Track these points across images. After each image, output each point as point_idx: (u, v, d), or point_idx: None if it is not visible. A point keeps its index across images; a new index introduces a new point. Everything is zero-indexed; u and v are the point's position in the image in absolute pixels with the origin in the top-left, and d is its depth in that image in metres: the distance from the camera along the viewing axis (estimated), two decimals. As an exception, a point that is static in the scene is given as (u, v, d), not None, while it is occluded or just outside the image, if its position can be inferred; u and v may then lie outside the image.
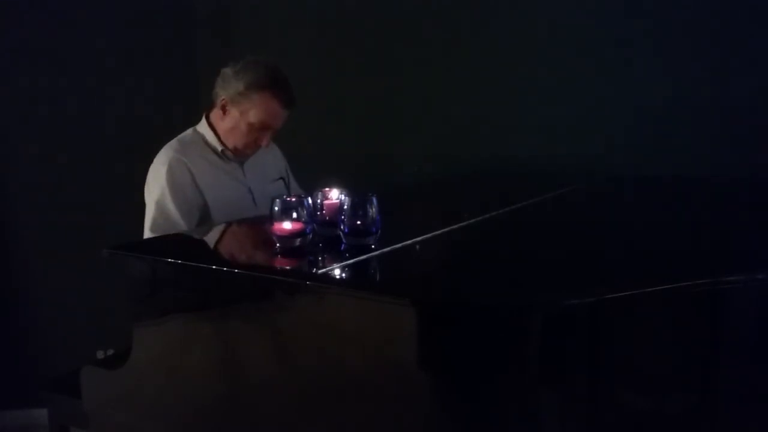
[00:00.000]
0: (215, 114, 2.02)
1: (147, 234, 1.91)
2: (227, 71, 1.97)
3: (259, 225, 1.76)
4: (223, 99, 1.97)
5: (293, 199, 1.44)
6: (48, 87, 2.72)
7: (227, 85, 1.96)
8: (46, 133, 2.74)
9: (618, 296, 1.17)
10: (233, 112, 1.96)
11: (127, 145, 2.72)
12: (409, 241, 1.50)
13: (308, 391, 1.26)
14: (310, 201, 1.44)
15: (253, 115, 1.94)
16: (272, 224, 1.41)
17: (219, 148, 2.02)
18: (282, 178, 2.22)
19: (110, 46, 2.76)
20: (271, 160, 2.21)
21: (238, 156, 2.05)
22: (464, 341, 1.13)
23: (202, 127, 2.05)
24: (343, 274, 1.33)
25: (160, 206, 1.90)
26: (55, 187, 2.76)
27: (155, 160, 1.97)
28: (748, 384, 1.34)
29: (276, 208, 1.40)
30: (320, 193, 1.55)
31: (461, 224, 1.69)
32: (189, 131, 2.07)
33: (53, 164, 2.75)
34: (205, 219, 1.94)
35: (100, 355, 2.58)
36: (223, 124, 2.00)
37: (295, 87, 1.99)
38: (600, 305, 1.16)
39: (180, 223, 1.89)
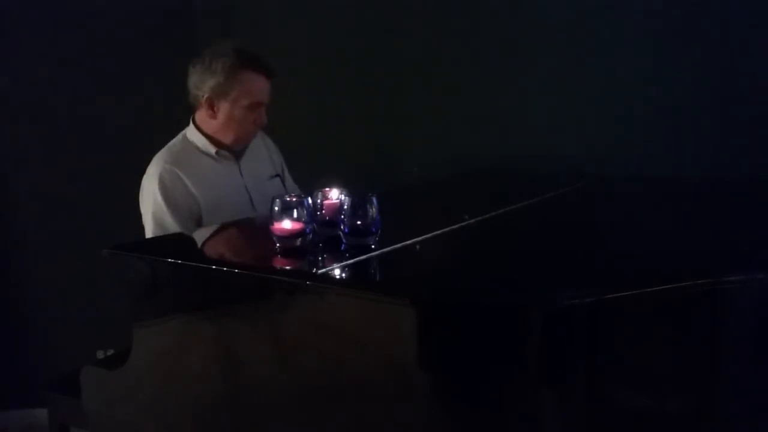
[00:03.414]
0: (202, 115, 1.99)
1: None
2: (196, 69, 1.94)
3: (258, 225, 1.76)
4: (208, 97, 1.93)
5: (293, 199, 1.44)
6: (48, 87, 2.72)
7: (203, 84, 1.93)
8: (45, 133, 2.74)
9: (618, 296, 1.17)
10: (223, 105, 1.94)
11: (128, 144, 2.71)
12: (409, 241, 1.50)
13: (308, 391, 1.26)
14: (310, 201, 1.44)
15: (245, 98, 1.93)
16: (272, 224, 1.41)
17: (213, 151, 1.99)
18: (278, 174, 2.20)
19: (110, 45, 2.76)
20: (267, 155, 2.20)
21: (240, 145, 2.03)
22: (464, 341, 1.13)
23: (192, 133, 2.01)
24: (343, 274, 1.33)
25: (157, 219, 1.89)
26: (55, 187, 2.76)
27: (147, 171, 1.95)
28: (748, 384, 1.34)
29: (276, 208, 1.40)
30: (320, 193, 1.54)
31: (461, 224, 1.69)
32: (178, 138, 2.03)
33: (53, 164, 2.75)
34: (201, 224, 1.93)
35: (100, 355, 2.57)
36: (217, 122, 1.96)
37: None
38: (599, 305, 1.16)
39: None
